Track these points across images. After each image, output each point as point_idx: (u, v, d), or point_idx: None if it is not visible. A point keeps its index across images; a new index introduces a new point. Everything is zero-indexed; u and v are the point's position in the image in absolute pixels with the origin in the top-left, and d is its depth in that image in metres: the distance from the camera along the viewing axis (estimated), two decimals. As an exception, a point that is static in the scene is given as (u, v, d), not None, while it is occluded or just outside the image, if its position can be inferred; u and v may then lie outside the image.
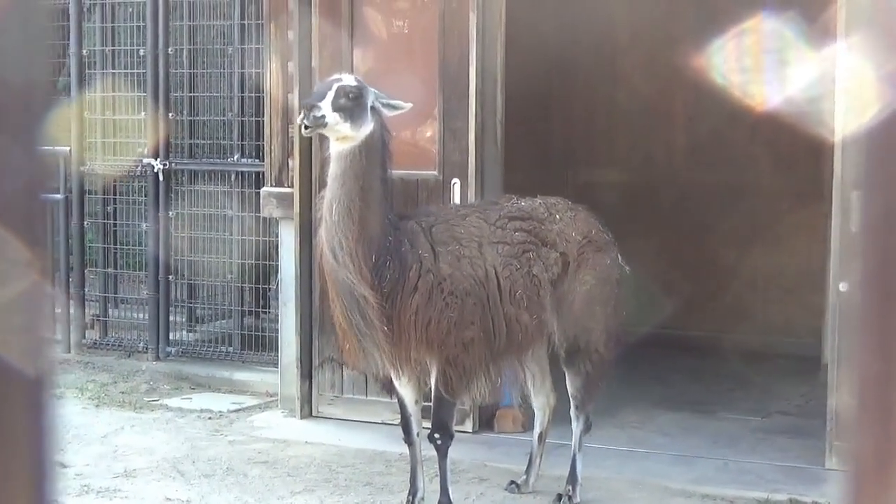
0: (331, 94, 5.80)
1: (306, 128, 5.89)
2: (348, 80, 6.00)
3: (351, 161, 5.83)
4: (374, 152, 5.90)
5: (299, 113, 5.89)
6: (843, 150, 6.96)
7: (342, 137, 5.84)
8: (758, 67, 9.99)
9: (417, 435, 6.29)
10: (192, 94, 9.74)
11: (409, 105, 6.08)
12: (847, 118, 6.66)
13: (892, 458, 1.10)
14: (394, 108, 6.01)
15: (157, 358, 9.74)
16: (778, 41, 9.67)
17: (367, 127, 5.86)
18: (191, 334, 9.92)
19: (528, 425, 7.45)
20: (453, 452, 6.30)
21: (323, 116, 5.77)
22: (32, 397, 1.21)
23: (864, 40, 1.14)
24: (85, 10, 10.12)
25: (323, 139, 6.55)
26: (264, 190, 8.70)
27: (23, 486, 1.21)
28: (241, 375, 9.25)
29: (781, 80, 9.63)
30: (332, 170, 5.92)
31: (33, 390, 1.21)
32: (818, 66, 8.35)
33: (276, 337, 8.78)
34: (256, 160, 9.28)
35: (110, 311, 10.25)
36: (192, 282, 9.80)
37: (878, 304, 1.14)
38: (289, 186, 8.37)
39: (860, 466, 1.12)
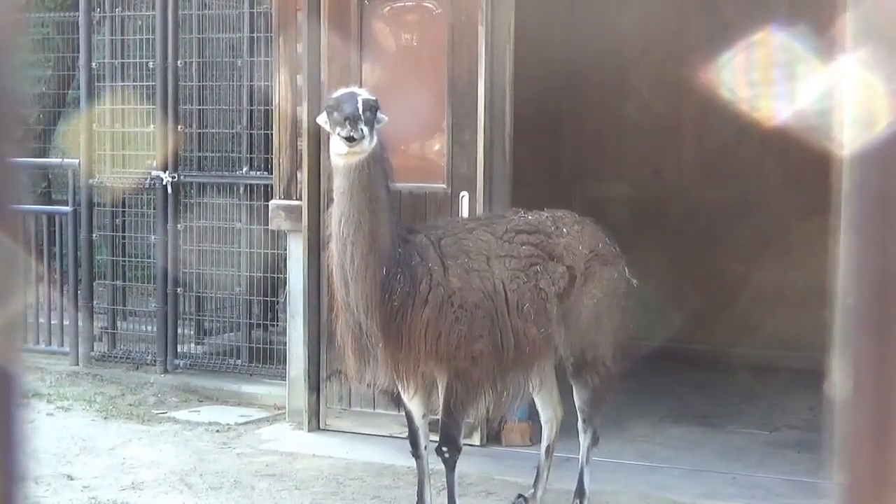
0: (360, 107, 5.72)
1: (352, 140, 5.68)
2: (365, 93, 5.96)
3: (359, 174, 5.78)
4: (379, 165, 5.85)
5: (343, 125, 5.69)
6: (850, 164, 6.95)
7: (354, 151, 5.75)
8: (767, 81, 9.98)
9: (425, 448, 6.27)
10: (200, 107, 9.77)
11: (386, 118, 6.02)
12: (854, 132, 6.65)
13: (888, 442, 1.10)
14: (379, 121, 5.96)
15: (166, 370, 9.76)
16: (787, 55, 9.66)
17: (375, 140, 5.84)
18: (199, 347, 9.93)
19: (535, 438, 7.45)
20: (461, 466, 6.29)
21: (363, 130, 5.70)
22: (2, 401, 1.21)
23: (872, 54, 1.15)
24: (94, 22, 10.16)
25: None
26: (273, 202, 8.71)
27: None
28: (249, 388, 9.26)
29: (790, 94, 9.62)
30: (339, 184, 5.83)
31: (2, 394, 1.21)
32: (827, 80, 8.35)
33: (285, 350, 8.78)
34: (265, 173, 9.29)
35: (119, 323, 10.27)
36: (200, 294, 9.81)
37: (875, 304, 1.14)
38: (297, 199, 8.38)
39: (855, 453, 1.12)
